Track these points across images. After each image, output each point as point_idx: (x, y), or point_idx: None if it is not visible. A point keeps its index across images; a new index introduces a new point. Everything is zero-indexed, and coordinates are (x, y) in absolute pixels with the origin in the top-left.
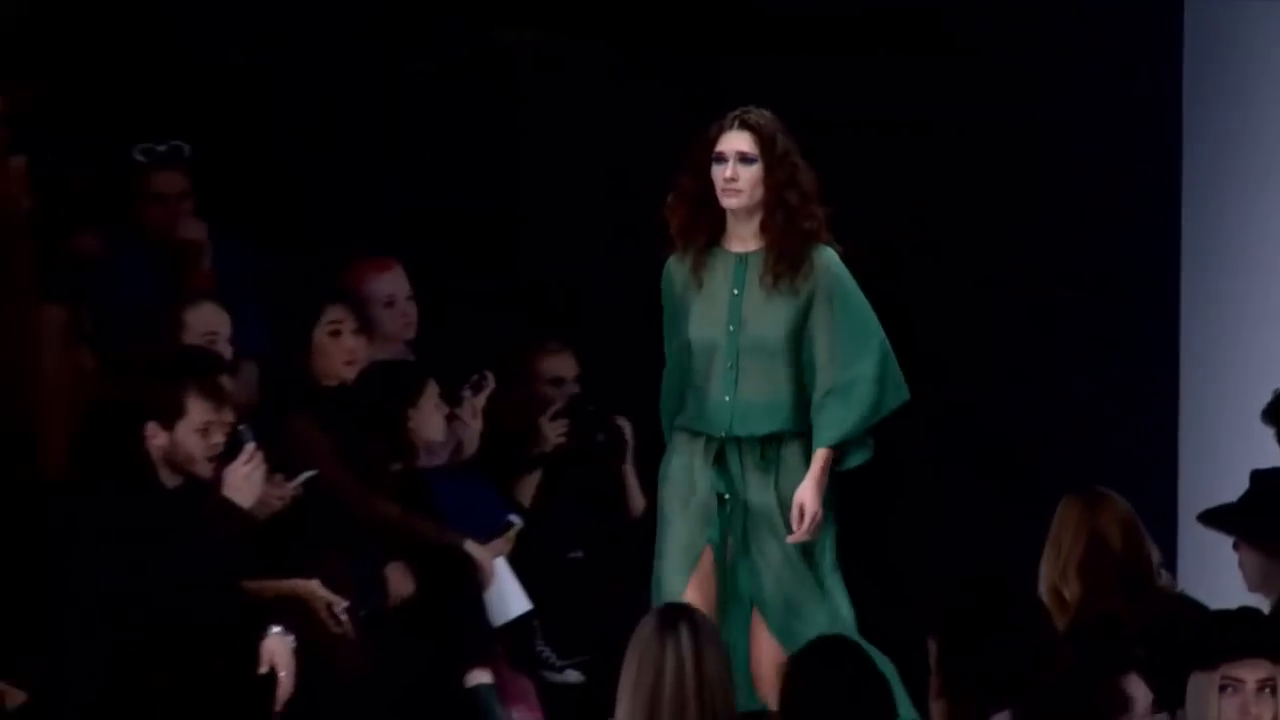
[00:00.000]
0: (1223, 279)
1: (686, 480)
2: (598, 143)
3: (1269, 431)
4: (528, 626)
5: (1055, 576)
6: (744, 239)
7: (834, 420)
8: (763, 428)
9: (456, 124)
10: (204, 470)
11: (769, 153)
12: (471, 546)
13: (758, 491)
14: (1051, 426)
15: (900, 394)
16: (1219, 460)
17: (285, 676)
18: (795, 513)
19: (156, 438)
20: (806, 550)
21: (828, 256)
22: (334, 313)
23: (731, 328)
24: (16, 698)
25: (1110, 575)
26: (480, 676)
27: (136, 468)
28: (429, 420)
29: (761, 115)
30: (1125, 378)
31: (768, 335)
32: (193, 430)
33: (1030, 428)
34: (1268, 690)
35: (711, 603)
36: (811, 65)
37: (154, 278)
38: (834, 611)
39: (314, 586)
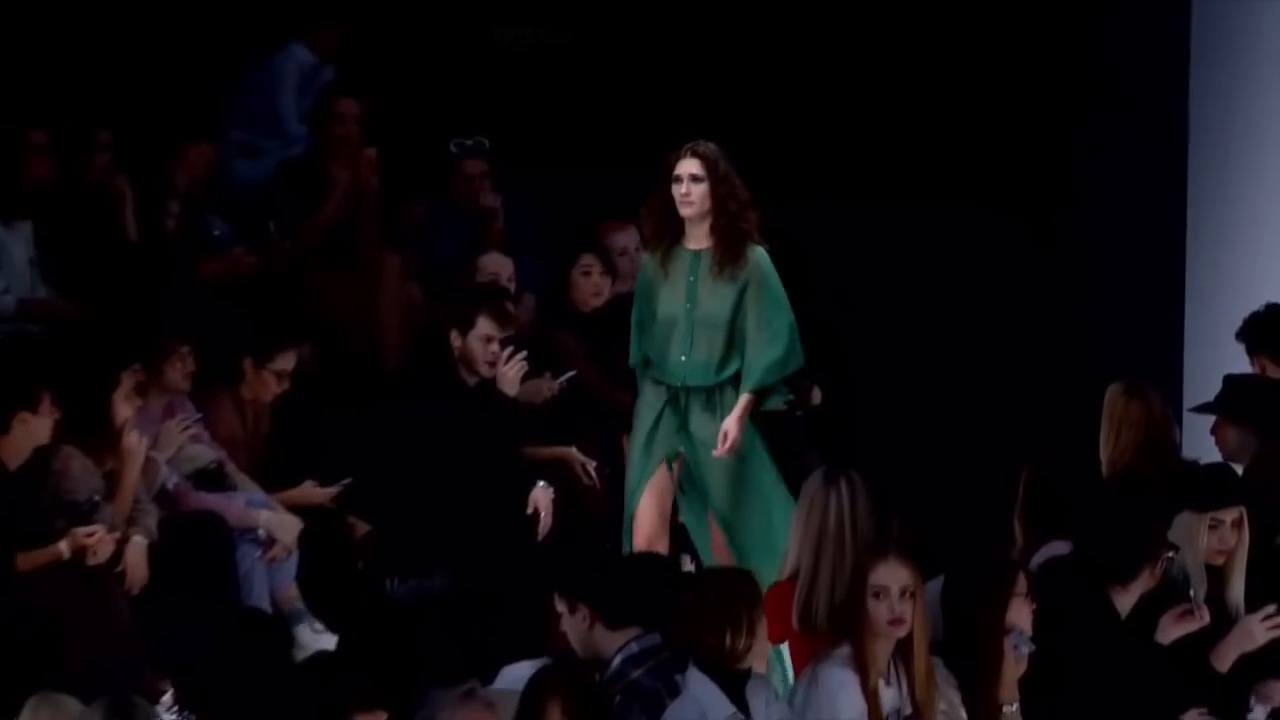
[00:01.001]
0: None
1: (651, 416)
2: None
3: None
4: None
5: (1110, 446)
6: (698, 239)
7: (754, 373)
8: (708, 380)
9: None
10: (484, 370)
11: (714, 174)
12: None
13: (702, 425)
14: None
15: (799, 361)
16: (1220, 363)
17: (546, 518)
18: (720, 437)
19: (455, 342)
20: (745, 467)
21: (759, 254)
22: (586, 259)
23: (688, 306)
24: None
25: (1143, 448)
26: None
27: (446, 369)
28: None
29: (708, 146)
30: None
31: (715, 312)
32: (479, 338)
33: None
34: (1238, 527)
35: (666, 501)
36: (817, 64)
37: (462, 235)
38: (767, 511)
39: (572, 451)
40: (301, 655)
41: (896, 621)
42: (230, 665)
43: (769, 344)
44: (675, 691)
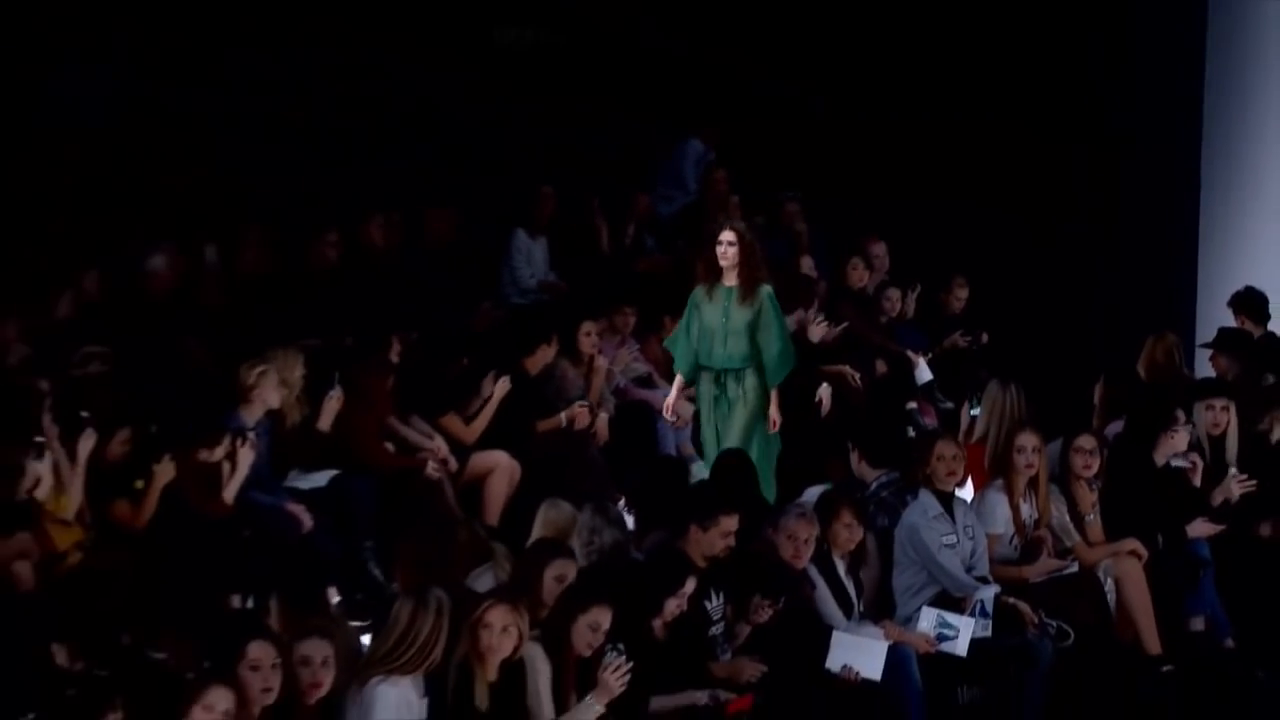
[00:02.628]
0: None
1: (708, 387)
2: None
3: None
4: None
5: (1145, 366)
6: (730, 279)
7: (773, 376)
8: (735, 365)
9: None
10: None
11: (742, 242)
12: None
13: (732, 389)
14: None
15: (793, 360)
16: (1217, 319)
17: (827, 402)
18: (771, 423)
19: (798, 315)
20: (755, 420)
21: (766, 289)
22: (855, 259)
23: (724, 320)
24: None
25: (1164, 367)
26: None
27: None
28: None
29: (739, 223)
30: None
31: (740, 324)
32: (804, 309)
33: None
34: (1226, 410)
35: (715, 436)
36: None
37: (786, 244)
38: (764, 446)
39: (846, 368)
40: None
41: (1029, 466)
42: (659, 484)
43: (777, 356)
44: (906, 504)
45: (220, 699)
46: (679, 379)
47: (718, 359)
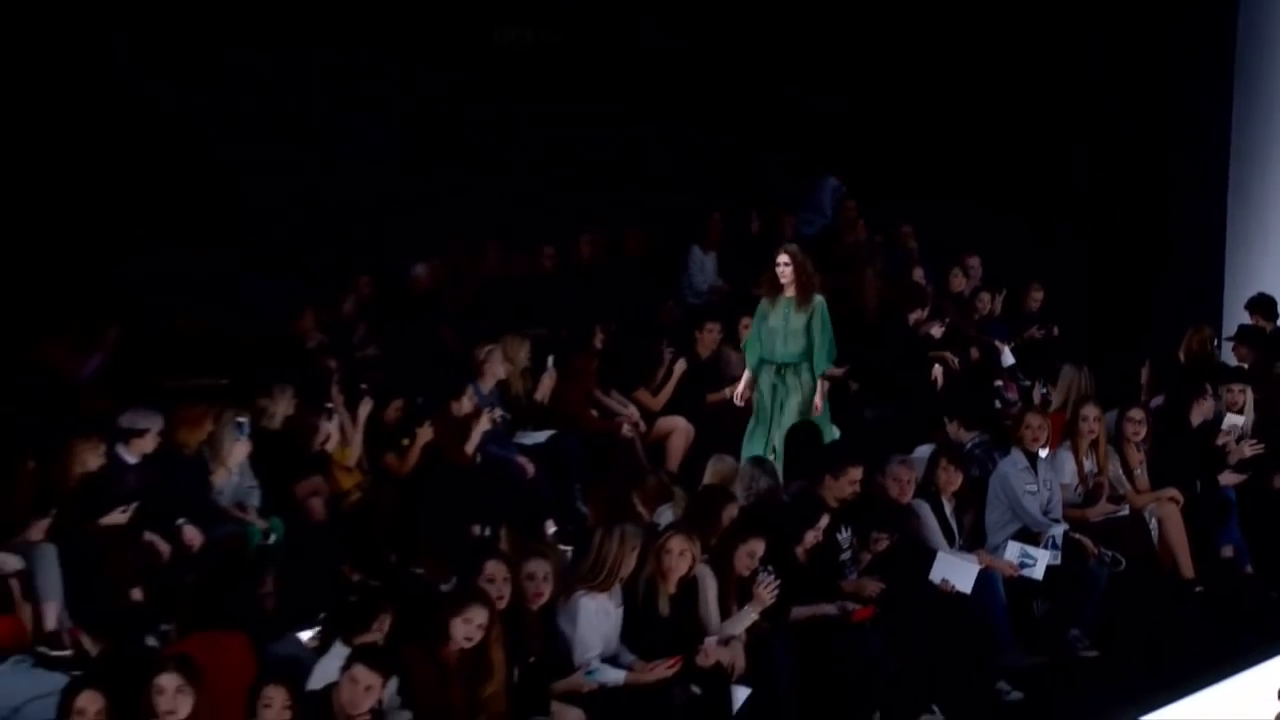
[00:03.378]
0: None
1: (768, 378)
2: None
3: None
4: None
5: (1184, 352)
6: (789, 291)
7: (819, 367)
8: (793, 360)
9: None
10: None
11: (796, 261)
12: None
13: (790, 380)
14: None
15: (834, 357)
16: (1238, 318)
17: (941, 379)
18: (814, 407)
19: (914, 315)
20: (807, 406)
21: (819, 299)
22: (956, 270)
23: (784, 323)
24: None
25: (1199, 353)
26: None
27: (905, 325)
28: None
29: (793, 245)
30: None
31: (797, 327)
32: (919, 308)
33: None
34: (1244, 393)
35: (767, 424)
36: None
37: (899, 257)
38: (822, 425)
39: (947, 354)
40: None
41: (1091, 431)
42: (799, 444)
43: (825, 351)
44: (993, 460)
45: (478, 614)
46: (748, 373)
47: (779, 355)
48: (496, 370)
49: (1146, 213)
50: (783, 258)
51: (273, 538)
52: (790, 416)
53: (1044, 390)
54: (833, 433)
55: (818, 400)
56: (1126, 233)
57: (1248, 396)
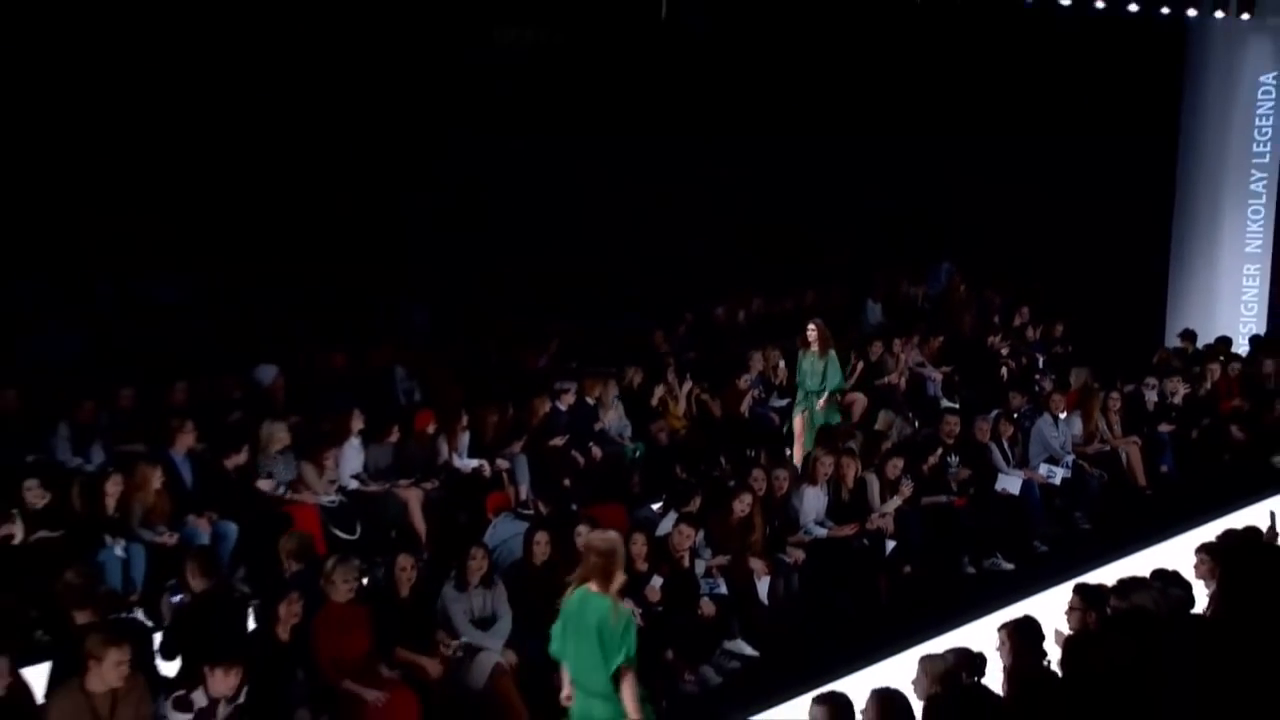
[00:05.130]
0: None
1: (802, 397)
2: None
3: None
4: None
5: (1155, 359)
6: (814, 348)
7: (829, 387)
8: (816, 389)
9: None
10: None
11: (819, 330)
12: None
13: (814, 400)
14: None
15: (838, 386)
16: None
17: None
18: (819, 404)
19: (995, 341)
20: (824, 412)
21: (830, 353)
22: (1022, 306)
23: (811, 366)
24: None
25: (1160, 362)
26: None
27: (979, 347)
28: None
29: (819, 320)
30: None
31: (818, 369)
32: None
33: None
34: (1178, 382)
35: (802, 432)
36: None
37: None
38: (826, 417)
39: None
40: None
41: (1090, 403)
42: (921, 407)
43: (833, 383)
44: (1035, 418)
45: (746, 499)
46: (800, 391)
47: (808, 384)
48: (757, 365)
49: (1136, 270)
50: (810, 327)
51: (638, 454)
52: (818, 420)
53: (1062, 381)
54: (834, 418)
55: (820, 403)
56: (1116, 286)
57: (1179, 386)
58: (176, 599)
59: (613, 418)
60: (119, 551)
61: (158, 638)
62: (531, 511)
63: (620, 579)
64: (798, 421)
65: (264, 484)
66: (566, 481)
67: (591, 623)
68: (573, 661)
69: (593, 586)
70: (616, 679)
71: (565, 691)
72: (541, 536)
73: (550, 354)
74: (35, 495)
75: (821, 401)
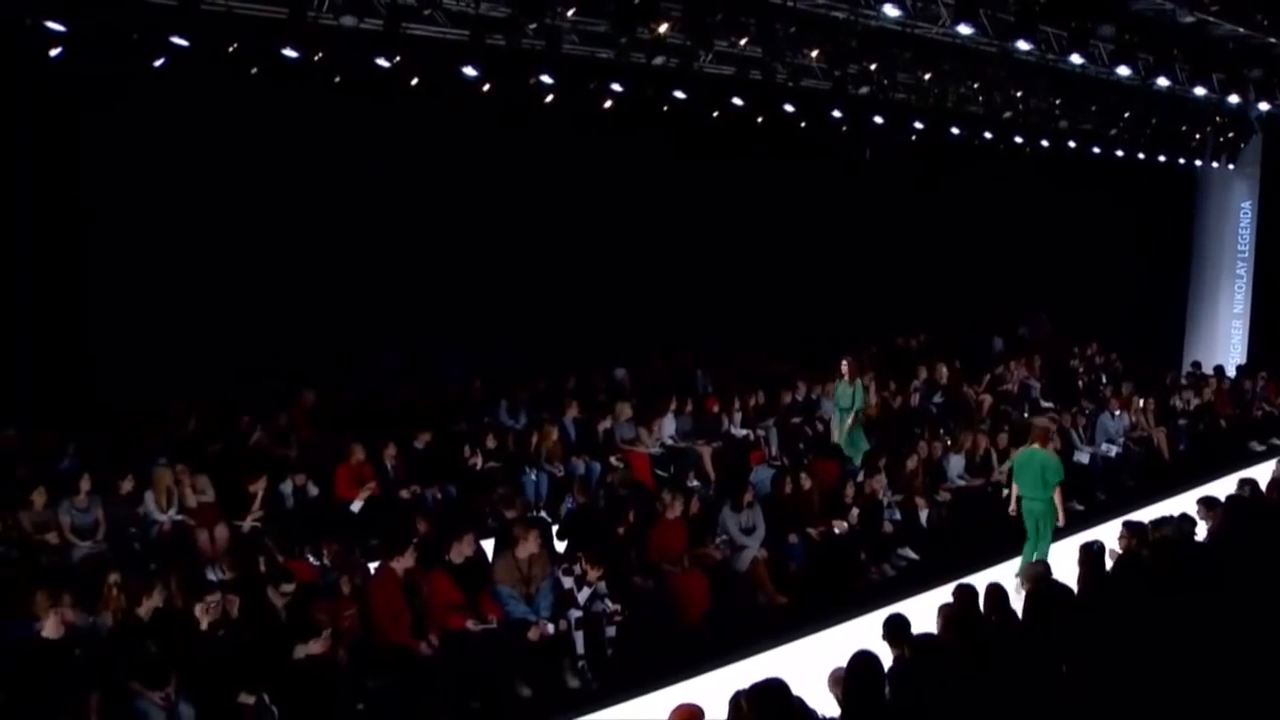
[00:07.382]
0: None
1: (839, 418)
2: None
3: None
4: None
5: (1183, 379)
6: (846, 378)
7: (855, 408)
8: (849, 407)
9: None
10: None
11: (850, 364)
12: None
13: (849, 419)
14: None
15: (864, 408)
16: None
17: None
18: (849, 423)
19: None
20: (855, 429)
21: (860, 382)
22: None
23: (846, 392)
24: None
25: (1191, 375)
26: None
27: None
28: None
29: (850, 357)
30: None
31: (850, 395)
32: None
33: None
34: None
35: (838, 437)
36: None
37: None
38: (858, 434)
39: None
40: None
41: (1135, 406)
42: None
43: (859, 405)
44: (1097, 415)
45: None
46: (836, 412)
47: (842, 404)
48: (922, 375)
49: (1164, 322)
50: (844, 363)
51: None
52: (846, 430)
53: (1116, 390)
54: (864, 443)
55: (849, 423)
56: (1151, 331)
57: (1191, 396)
58: (567, 506)
59: (828, 406)
60: (533, 477)
61: (554, 529)
62: (778, 463)
63: (1054, 442)
64: (835, 431)
65: (622, 439)
66: (801, 445)
67: (1037, 463)
68: (1023, 486)
69: (1037, 446)
70: (1049, 495)
71: (1011, 507)
72: (784, 478)
73: (793, 363)
74: (490, 441)
75: (850, 419)
